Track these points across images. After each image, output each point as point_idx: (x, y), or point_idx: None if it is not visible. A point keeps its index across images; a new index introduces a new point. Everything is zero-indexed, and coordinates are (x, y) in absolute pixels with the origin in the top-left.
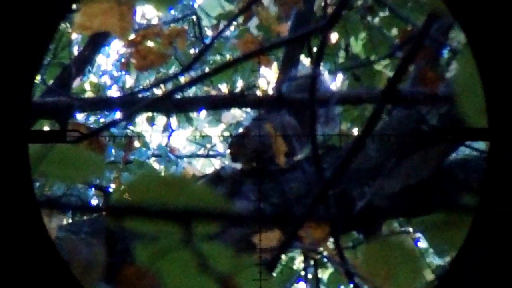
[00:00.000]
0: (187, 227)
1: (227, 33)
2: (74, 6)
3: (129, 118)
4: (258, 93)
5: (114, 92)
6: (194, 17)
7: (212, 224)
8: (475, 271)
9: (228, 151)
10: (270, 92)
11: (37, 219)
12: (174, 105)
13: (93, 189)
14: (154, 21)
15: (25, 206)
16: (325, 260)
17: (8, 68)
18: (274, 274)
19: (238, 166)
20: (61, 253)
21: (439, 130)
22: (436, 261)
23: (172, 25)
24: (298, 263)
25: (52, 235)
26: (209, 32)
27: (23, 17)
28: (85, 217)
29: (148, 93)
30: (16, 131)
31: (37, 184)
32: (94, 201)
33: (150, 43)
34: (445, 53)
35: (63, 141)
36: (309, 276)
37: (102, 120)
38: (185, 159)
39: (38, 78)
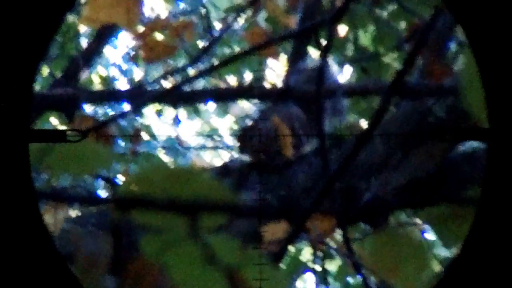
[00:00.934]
0: (194, 219)
1: (236, 25)
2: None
3: (137, 110)
4: (266, 85)
5: (122, 84)
6: (202, 10)
7: (218, 217)
8: (477, 269)
9: (236, 143)
10: (279, 84)
11: (37, 219)
12: (182, 97)
13: (100, 180)
14: (163, 14)
15: (26, 206)
16: (333, 251)
17: (8, 67)
18: (282, 265)
19: (246, 158)
20: (63, 248)
21: (437, 130)
22: (444, 252)
23: (180, 17)
24: (306, 254)
25: (58, 227)
26: (217, 25)
27: (22, 16)
28: (92, 209)
29: (156, 86)
30: (16, 130)
31: (45, 176)
32: (101, 193)
33: (158, 36)
34: (452, 46)
35: (64, 141)
36: (317, 267)
37: (111, 112)
38: (193, 151)
39: (46, 71)
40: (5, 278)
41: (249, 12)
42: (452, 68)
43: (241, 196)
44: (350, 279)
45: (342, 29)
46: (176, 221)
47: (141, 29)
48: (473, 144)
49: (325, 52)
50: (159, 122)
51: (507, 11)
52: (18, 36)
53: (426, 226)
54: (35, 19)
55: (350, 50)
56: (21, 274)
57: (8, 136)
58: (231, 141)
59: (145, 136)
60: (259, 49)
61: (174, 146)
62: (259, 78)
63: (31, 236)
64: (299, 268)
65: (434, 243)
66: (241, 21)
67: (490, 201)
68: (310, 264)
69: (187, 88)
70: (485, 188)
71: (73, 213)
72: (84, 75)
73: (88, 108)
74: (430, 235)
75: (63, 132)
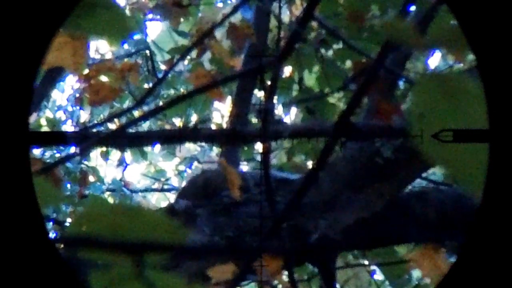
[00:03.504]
0: (139, 258)
1: (181, 67)
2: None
3: (84, 153)
4: (212, 126)
5: (69, 127)
6: (147, 52)
7: (164, 256)
8: (479, 273)
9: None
10: (224, 125)
11: (38, 221)
12: (128, 140)
13: (50, 223)
14: (108, 56)
15: (26, 209)
16: None
17: (7, 68)
18: None
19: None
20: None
21: (437, 132)
22: None
23: (125, 59)
24: None
25: None
26: (162, 67)
27: (21, 18)
28: None
29: (102, 128)
30: (16, 132)
31: None
32: (51, 235)
33: (103, 78)
34: (401, 85)
35: (64, 143)
36: None
37: (57, 155)
38: (140, 193)
39: None
40: (4, 279)
41: (194, 54)
42: (401, 107)
43: (188, 237)
44: None
45: (288, 70)
46: (122, 259)
47: (86, 71)
48: (423, 183)
49: (270, 93)
50: (106, 164)
51: (507, 11)
52: (18, 36)
53: (374, 267)
54: (36, 18)
55: (295, 91)
56: (20, 275)
57: (8, 138)
58: (177, 183)
59: (91, 178)
60: (204, 90)
61: (120, 188)
62: (205, 120)
63: (31, 238)
64: None
65: (383, 283)
66: (185, 62)
67: (491, 203)
68: None
69: (133, 130)
70: (486, 190)
71: None
72: (32, 118)
73: (36, 151)
74: (378, 276)
75: (63, 133)
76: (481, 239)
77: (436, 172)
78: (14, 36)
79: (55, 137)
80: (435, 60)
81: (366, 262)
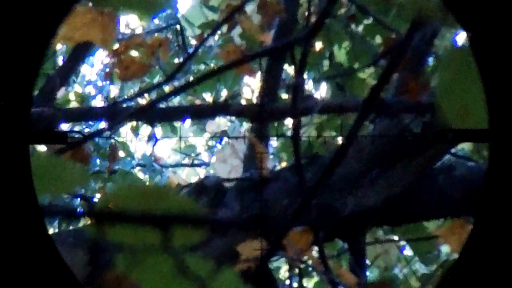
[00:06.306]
0: (166, 231)
1: (211, 42)
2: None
3: (113, 128)
4: (242, 102)
5: (98, 102)
6: (177, 27)
7: (192, 231)
8: (479, 270)
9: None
10: (254, 101)
11: (38, 220)
12: (158, 115)
13: (78, 199)
14: (138, 31)
15: (26, 208)
16: (310, 269)
17: (8, 68)
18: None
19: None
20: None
21: (438, 132)
22: (422, 269)
23: (155, 34)
24: (284, 272)
25: None
26: (192, 42)
27: (22, 16)
28: (70, 227)
29: (132, 103)
30: (17, 131)
31: None
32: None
33: (133, 53)
34: (430, 61)
35: (64, 143)
36: (294, 285)
37: (87, 130)
38: (170, 169)
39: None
40: (4, 276)
41: (224, 29)
42: (429, 84)
43: (217, 213)
44: None
45: (318, 45)
46: (149, 234)
47: (116, 46)
48: (451, 158)
49: (300, 68)
50: (135, 139)
51: (507, 11)
52: (18, 36)
53: (404, 243)
54: (35, 18)
55: (325, 66)
56: (20, 272)
57: (9, 137)
58: (207, 158)
59: (121, 153)
60: (234, 65)
61: (151, 163)
62: (235, 95)
63: (32, 237)
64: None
65: (412, 259)
66: (216, 37)
67: (491, 202)
68: (288, 282)
69: (163, 106)
70: (486, 189)
71: (51, 231)
72: (60, 93)
73: (64, 126)
74: (408, 252)
75: (64, 133)
76: (482, 236)
77: (464, 148)
78: (13, 39)
79: (56, 137)
80: (462, 37)
81: (396, 238)
